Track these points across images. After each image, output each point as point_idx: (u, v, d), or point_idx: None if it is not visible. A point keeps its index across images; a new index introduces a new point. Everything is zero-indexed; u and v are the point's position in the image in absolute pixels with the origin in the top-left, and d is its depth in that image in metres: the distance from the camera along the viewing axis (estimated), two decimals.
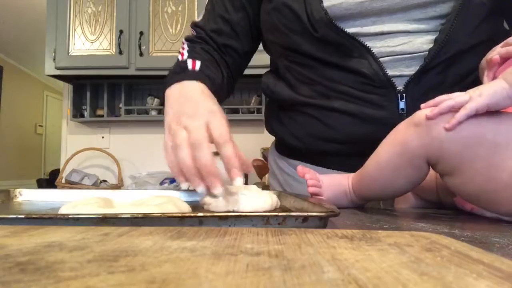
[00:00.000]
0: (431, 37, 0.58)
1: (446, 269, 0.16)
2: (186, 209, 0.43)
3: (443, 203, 0.54)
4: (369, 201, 0.55)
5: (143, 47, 2.09)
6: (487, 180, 0.39)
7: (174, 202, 0.42)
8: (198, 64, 0.63)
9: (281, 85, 0.70)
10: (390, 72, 0.59)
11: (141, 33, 2.10)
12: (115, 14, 2.14)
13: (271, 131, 0.77)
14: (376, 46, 0.59)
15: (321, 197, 0.52)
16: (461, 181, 0.41)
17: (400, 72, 0.59)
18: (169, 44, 2.12)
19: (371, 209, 0.53)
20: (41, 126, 6.27)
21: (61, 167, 2.31)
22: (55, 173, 2.85)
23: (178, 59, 0.67)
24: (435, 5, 0.57)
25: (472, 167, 0.39)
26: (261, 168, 2.10)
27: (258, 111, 2.24)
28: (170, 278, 0.14)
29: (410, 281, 0.14)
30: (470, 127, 0.38)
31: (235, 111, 2.28)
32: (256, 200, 0.45)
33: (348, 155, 0.63)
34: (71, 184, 2.10)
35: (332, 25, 0.59)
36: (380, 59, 0.59)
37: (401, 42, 0.59)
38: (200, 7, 2.12)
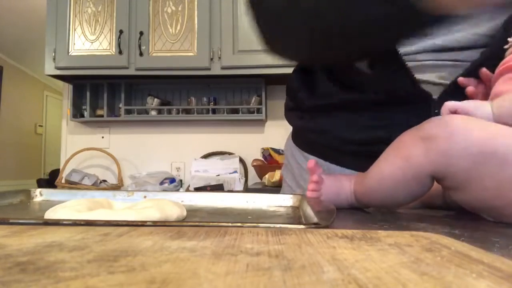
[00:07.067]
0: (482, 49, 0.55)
1: (446, 269, 0.16)
2: (174, 214, 0.40)
3: (447, 206, 0.54)
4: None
5: (143, 47, 2.09)
6: (496, 196, 0.38)
7: (161, 207, 0.40)
8: None
9: (306, 88, 0.69)
10: (428, 77, 0.57)
11: (141, 33, 2.10)
12: (115, 14, 2.15)
13: (290, 122, 0.75)
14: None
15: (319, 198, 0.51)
16: (468, 197, 0.40)
17: (440, 80, 0.56)
18: (169, 44, 2.12)
19: (371, 209, 0.53)
20: (41, 126, 6.27)
21: (61, 167, 2.31)
22: (55, 173, 2.85)
23: None
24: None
25: (480, 184, 0.38)
26: (261, 168, 2.10)
27: (258, 111, 2.24)
28: (170, 278, 0.14)
29: (410, 281, 0.14)
30: (480, 142, 0.36)
31: (235, 111, 2.28)
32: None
33: (367, 156, 0.62)
34: (71, 184, 2.10)
35: None
36: (425, 62, 0.56)
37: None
38: (200, 7, 2.12)
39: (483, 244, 0.28)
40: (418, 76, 0.57)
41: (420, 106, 0.57)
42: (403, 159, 0.42)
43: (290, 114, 0.75)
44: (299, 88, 0.70)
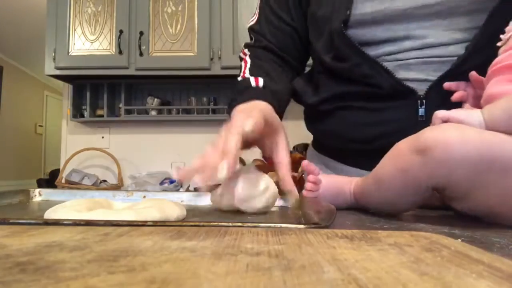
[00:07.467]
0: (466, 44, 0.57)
1: (446, 269, 0.16)
2: (174, 214, 0.40)
3: (445, 206, 0.54)
4: None
5: (143, 47, 2.09)
6: (501, 203, 0.38)
7: (161, 207, 0.40)
8: (261, 80, 0.64)
9: (308, 88, 0.73)
10: (415, 75, 0.59)
11: (141, 33, 2.10)
12: (115, 14, 2.14)
13: (308, 129, 0.80)
14: (405, 47, 0.59)
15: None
16: (471, 204, 0.40)
17: (426, 76, 0.58)
18: (169, 44, 2.11)
19: (371, 209, 0.53)
20: (41, 126, 6.27)
21: (61, 167, 2.31)
22: (55, 173, 2.85)
23: (240, 74, 0.69)
24: (480, 13, 0.56)
25: (484, 192, 0.37)
26: (261, 168, 2.10)
27: None
28: (170, 278, 0.14)
29: (410, 281, 0.14)
30: (479, 150, 0.36)
31: None
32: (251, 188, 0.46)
33: (364, 154, 0.64)
34: (71, 184, 2.10)
35: (344, 35, 0.60)
36: (409, 60, 0.59)
37: (438, 50, 0.58)
38: (200, 7, 2.12)
39: (483, 244, 0.28)
40: (403, 74, 0.59)
41: (408, 102, 0.59)
42: (402, 172, 0.41)
43: (306, 121, 0.79)
44: (304, 86, 0.73)
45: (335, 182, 0.54)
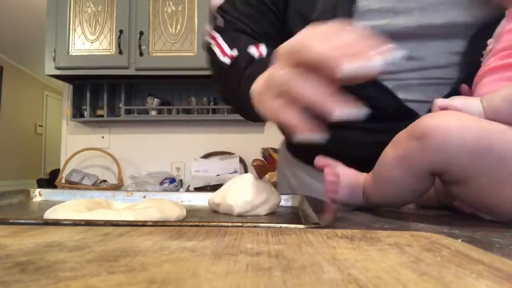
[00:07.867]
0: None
1: (446, 269, 0.16)
2: (174, 214, 0.40)
3: (442, 206, 0.54)
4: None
5: (143, 47, 2.09)
6: (492, 194, 0.38)
7: (161, 207, 0.40)
8: (263, 48, 0.56)
9: None
10: (415, 96, 0.58)
11: (141, 33, 2.10)
12: (115, 14, 2.15)
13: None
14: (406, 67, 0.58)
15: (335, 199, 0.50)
16: (466, 191, 0.40)
17: (426, 98, 0.58)
18: (169, 44, 2.12)
19: (371, 209, 0.53)
20: (41, 126, 6.27)
21: (61, 167, 2.31)
22: (55, 173, 2.85)
23: (215, 58, 0.60)
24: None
25: (478, 181, 0.38)
26: (261, 168, 2.10)
27: None
28: (170, 278, 0.14)
29: (410, 281, 0.14)
30: (478, 139, 0.36)
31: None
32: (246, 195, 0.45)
33: (361, 162, 0.63)
34: (71, 184, 2.10)
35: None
36: (409, 81, 0.58)
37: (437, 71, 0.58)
38: (200, 7, 2.12)
39: (483, 244, 0.28)
40: (404, 95, 0.59)
41: (408, 123, 0.58)
42: (401, 159, 0.42)
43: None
44: None
45: (352, 179, 0.52)
